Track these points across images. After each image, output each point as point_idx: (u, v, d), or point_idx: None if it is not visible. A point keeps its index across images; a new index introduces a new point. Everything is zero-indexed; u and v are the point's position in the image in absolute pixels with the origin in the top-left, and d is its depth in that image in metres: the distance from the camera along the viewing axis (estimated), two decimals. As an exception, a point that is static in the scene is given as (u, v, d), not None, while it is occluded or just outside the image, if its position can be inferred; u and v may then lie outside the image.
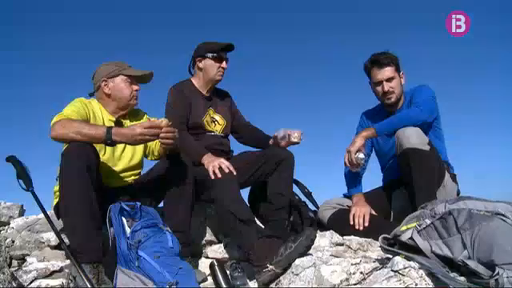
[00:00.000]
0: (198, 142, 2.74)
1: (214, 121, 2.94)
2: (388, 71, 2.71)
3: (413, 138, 2.36)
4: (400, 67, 2.77)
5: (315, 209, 2.99)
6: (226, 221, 2.29)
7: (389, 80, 2.71)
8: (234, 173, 2.42)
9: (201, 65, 2.89)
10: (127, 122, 2.48)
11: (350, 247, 2.32)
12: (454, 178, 2.66)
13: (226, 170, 2.40)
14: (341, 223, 2.60)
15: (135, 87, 2.46)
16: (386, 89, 2.71)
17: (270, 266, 2.02)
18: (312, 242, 2.06)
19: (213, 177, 2.39)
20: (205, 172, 2.43)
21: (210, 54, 2.86)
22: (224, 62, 2.86)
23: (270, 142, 2.92)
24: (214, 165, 2.41)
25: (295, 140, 2.74)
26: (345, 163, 2.59)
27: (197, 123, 2.83)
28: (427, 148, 2.37)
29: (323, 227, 2.70)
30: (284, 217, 2.64)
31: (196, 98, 2.88)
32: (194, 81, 2.96)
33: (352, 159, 2.51)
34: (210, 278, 2.24)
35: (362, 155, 2.51)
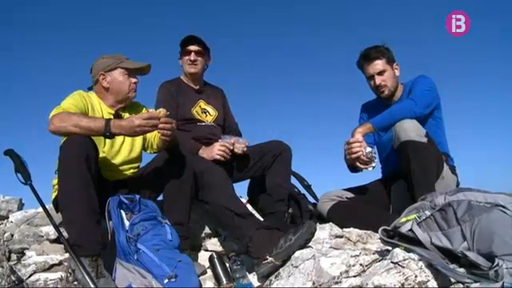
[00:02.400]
0: (189, 134, 2.78)
1: (204, 112, 2.97)
2: (378, 64, 2.72)
3: (410, 130, 2.36)
4: (392, 59, 2.76)
5: (314, 201, 2.98)
6: (223, 217, 2.30)
7: (380, 73, 2.72)
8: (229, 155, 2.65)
9: (180, 62, 3.02)
10: (126, 115, 2.46)
11: (349, 239, 2.32)
12: (453, 169, 2.65)
13: (227, 151, 2.65)
14: (340, 216, 2.60)
15: (133, 80, 2.44)
16: (377, 82, 2.74)
17: (270, 258, 2.02)
18: (312, 234, 2.06)
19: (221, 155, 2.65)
20: (199, 168, 2.44)
21: (180, 50, 2.99)
22: (192, 54, 2.93)
23: None
24: (217, 153, 2.63)
25: (236, 151, 2.72)
26: (359, 168, 2.55)
27: (186, 115, 2.87)
28: (424, 140, 2.37)
29: (322, 220, 2.70)
30: (283, 209, 2.65)
31: (185, 92, 2.96)
32: (183, 77, 3.04)
33: (363, 158, 2.49)
34: (209, 271, 2.24)
35: (369, 149, 2.49)
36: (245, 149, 2.73)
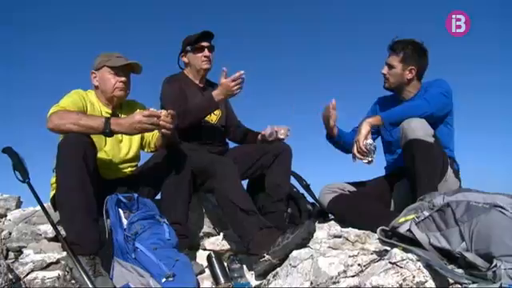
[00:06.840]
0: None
1: None
2: (391, 58, 2.72)
3: (418, 129, 2.34)
4: (411, 62, 2.70)
5: (313, 201, 2.98)
6: (227, 211, 2.29)
7: (389, 66, 2.72)
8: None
9: (185, 60, 2.94)
10: (123, 114, 2.45)
11: (347, 239, 2.31)
12: (457, 173, 2.64)
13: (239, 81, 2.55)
14: (340, 208, 2.58)
15: (120, 78, 2.38)
16: (382, 71, 2.75)
17: (267, 256, 2.02)
18: (310, 234, 2.05)
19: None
20: (204, 162, 2.44)
21: (189, 47, 2.89)
22: (206, 50, 2.86)
23: (259, 137, 2.92)
24: (231, 91, 2.58)
25: (281, 136, 2.76)
26: (354, 155, 2.50)
27: None
28: (431, 140, 2.36)
29: (322, 217, 2.70)
30: (283, 209, 2.64)
31: (191, 89, 2.90)
32: (187, 73, 2.98)
33: (362, 147, 2.46)
34: (207, 270, 2.24)
35: (370, 140, 2.47)
36: (288, 133, 2.79)
